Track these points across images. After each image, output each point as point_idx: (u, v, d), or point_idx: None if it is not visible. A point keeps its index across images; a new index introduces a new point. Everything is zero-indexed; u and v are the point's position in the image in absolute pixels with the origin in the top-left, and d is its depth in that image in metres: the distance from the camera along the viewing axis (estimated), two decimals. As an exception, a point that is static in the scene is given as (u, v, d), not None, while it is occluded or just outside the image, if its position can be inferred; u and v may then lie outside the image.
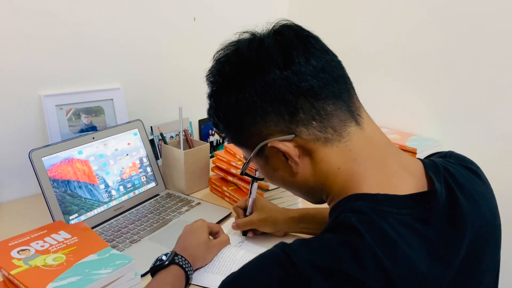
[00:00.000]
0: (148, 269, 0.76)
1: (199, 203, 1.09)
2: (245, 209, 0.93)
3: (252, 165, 0.73)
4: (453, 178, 0.56)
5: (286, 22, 0.58)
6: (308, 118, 0.54)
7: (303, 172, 0.58)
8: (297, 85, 0.53)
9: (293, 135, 0.55)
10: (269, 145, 0.57)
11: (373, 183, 0.54)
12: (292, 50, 0.54)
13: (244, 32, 0.59)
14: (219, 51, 0.60)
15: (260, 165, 0.63)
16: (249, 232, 0.93)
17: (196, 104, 1.42)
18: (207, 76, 0.61)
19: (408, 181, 0.55)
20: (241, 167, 1.07)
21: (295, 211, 0.91)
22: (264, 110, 0.55)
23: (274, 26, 0.58)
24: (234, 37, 0.59)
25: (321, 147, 0.56)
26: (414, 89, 1.33)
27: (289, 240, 0.50)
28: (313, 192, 0.62)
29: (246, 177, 1.05)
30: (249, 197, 0.91)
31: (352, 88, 0.59)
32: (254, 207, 0.91)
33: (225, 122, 0.61)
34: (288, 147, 0.56)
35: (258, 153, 0.59)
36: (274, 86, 0.54)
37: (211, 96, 0.61)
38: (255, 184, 0.90)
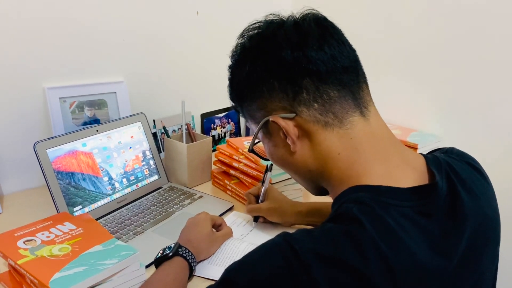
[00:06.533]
0: (152, 260, 0.77)
1: (201, 196, 1.10)
2: (257, 196, 0.95)
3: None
4: (455, 173, 0.57)
5: (312, 11, 0.61)
6: (310, 99, 0.56)
7: (301, 153, 0.60)
8: (305, 67, 0.56)
9: (294, 114, 0.58)
10: (270, 120, 0.59)
11: (375, 174, 0.55)
12: (308, 35, 0.57)
13: (270, 14, 0.62)
14: (245, 28, 0.63)
15: (264, 141, 0.66)
16: (260, 218, 0.95)
17: (198, 98, 1.43)
18: (231, 50, 0.64)
19: (410, 175, 0.56)
20: (243, 161, 1.08)
21: (304, 204, 0.93)
22: (271, 85, 0.58)
23: (300, 13, 0.61)
24: (261, 18, 0.63)
25: (320, 129, 0.57)
26: (416, 85, 1.33)
27: (293, 231, 0.50)
28: (312, 178, 0.63)
29: (249, 170, 1.06)
30: (262, 186, 0.93)
31: (365, 82, 0.61)
32: (266, 196, 0.94)
33: (238, 93, 0.65)
34: (287, 124, 0.58)
35: (264, 128, 0.62)
36: (284, 64, 0.56)
37: (230, 67, 0.65)
38: (268, 174, 0.92)
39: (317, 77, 0.56)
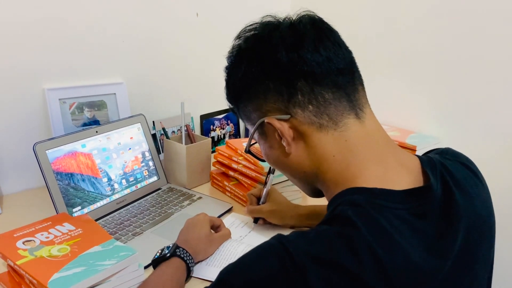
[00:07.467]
0: (150, 261, 0.78)
1: (200, 198, 1.11)
2: (258, 198, 0.96)
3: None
4: (450, 173, 0.57)
5: (309, 12, 0.61)
6: (305, 101, 0.57)
7: (296, 154, 0.60)
8: (300, 68, 0.56)
9: (289, 116, 0.58)
10: (265, 121, 0.59)
11: (370, 176, 0.55)
12: (304, 37, 0.57)
13: (267, 15, 0.62)
14: (242, 30, 0.63)
15: (260, 143, 0.66)
16: (260, 220, 0.96)
17: (198, 100, 1.43)
18: (228, 51, 0.65)
19: (404, 177, 0.56)
20: (242, 162, 1.08)
21: (304, 208, 0.94)
22: (266, 86, 0.58)
23: (297, 14, 0.61)
24: (257, 19, 0.63)
25: (315, 131, 0.57)
26: (414, 86, 1.33)
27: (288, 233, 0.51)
28: (307, 179, 0.63)
29: (248, 171, 1.07)
30: (264, 188, 0.94)
31: (361, 85, 0.61)
32: (267, 197, 0.94)
33: (234, 95, 0.65)
34: (282, 126, 0.58)
35: (259, 130, 0.63)
36: (279, 65, 0.57)
37: (226, 68, 0.65)
38: (271, 176, 0.93)
39: (312, 79, 0.56)
